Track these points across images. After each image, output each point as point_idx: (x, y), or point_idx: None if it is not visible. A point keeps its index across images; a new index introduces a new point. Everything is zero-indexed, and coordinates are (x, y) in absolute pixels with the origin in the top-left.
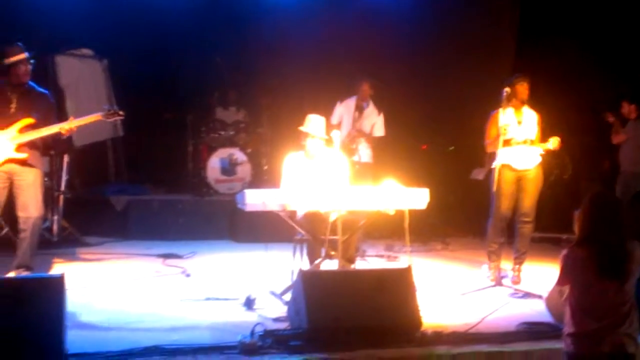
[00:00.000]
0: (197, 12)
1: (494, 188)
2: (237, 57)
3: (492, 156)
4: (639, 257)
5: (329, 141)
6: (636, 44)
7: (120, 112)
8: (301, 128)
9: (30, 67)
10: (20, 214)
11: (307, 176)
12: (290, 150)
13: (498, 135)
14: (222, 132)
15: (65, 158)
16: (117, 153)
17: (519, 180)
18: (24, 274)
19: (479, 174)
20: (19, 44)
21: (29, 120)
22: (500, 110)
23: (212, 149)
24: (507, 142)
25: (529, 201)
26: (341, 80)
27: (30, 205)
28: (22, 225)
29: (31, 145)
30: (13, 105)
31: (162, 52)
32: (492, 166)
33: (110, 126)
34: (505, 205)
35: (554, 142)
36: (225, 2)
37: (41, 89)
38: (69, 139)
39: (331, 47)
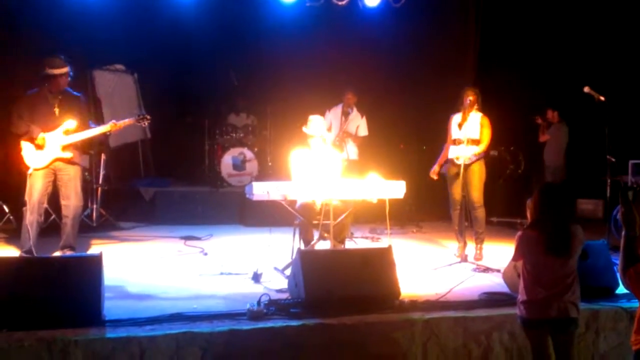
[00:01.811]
0: (214, 33)
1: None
2: (247, 72)
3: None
4: (581, 237)
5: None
6: (562, 67)
7: (148, 117)
8: (304, 129)
9: (69, 78)
10: (63, 202)
11: (310, 167)
12: (290, 149)
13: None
14: (234, 134)
15: (103, 156)
16: (146, 152)
17: (464, 172)
18: (68, 253)
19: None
20: (61, 56)
21: (72, 123)
22: (456, 114)
23: (225, 149)
24: (453, 142)
25: (475, 192)
26: (331, 90)
27: (72, 195)
28: (64, 212)
29: (74, 145)
30: (56, 109)
31: (183, 67)
32: (445, 162)
33: (140, 129)
34: (455, 191)
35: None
36: (237, 26)
37: (75, 93)
38: (106, 140)
39: (323, 63)
